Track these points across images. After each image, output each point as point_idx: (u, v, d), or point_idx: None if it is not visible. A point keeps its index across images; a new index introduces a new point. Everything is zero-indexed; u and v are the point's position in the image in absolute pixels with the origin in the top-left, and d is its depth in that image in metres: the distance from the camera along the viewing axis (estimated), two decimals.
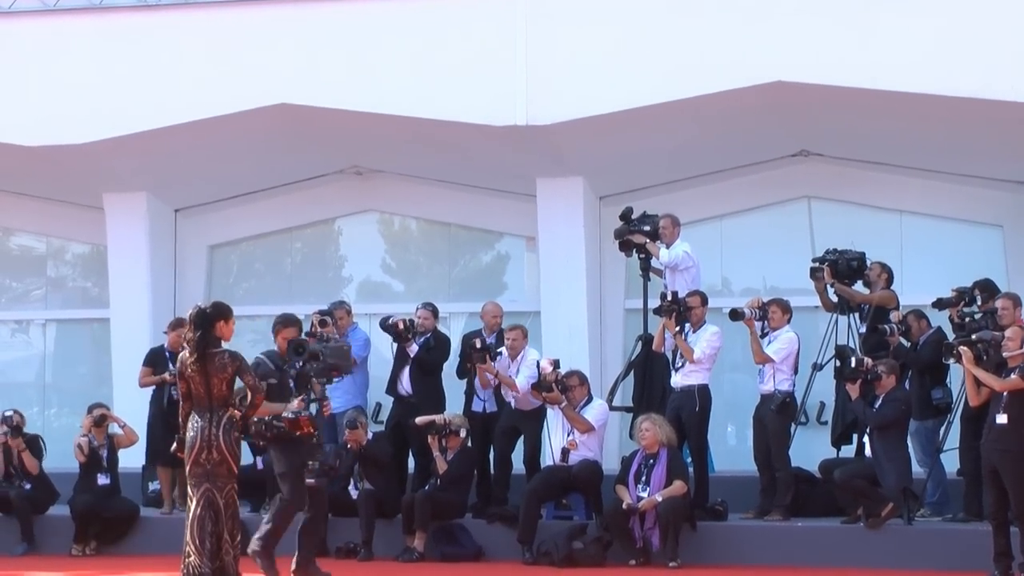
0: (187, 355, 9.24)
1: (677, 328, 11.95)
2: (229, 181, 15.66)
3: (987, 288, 11.97)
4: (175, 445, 9.46)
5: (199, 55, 14.15)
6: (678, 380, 12.05)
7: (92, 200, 15.57)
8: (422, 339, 12.93)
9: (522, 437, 12.52)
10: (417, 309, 13.07)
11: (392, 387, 13.08)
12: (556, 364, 12.09)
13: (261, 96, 14.05)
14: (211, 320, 9.22)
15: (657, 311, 12.22)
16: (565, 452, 11.97)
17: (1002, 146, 13.55)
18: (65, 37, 14.52)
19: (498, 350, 12.57)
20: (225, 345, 9.32)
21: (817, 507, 12.06)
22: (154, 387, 13.24)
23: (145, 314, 15.22)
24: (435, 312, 13.15)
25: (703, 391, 11.94)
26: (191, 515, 9.17)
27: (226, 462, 9.14)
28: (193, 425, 9.19)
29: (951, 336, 11.59)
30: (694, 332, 12.05)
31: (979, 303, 11.86)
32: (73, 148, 14.35)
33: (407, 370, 12.89)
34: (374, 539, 12.02)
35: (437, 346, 13.02)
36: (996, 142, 13.50)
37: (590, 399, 12.21)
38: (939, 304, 12.15)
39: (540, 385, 11.96)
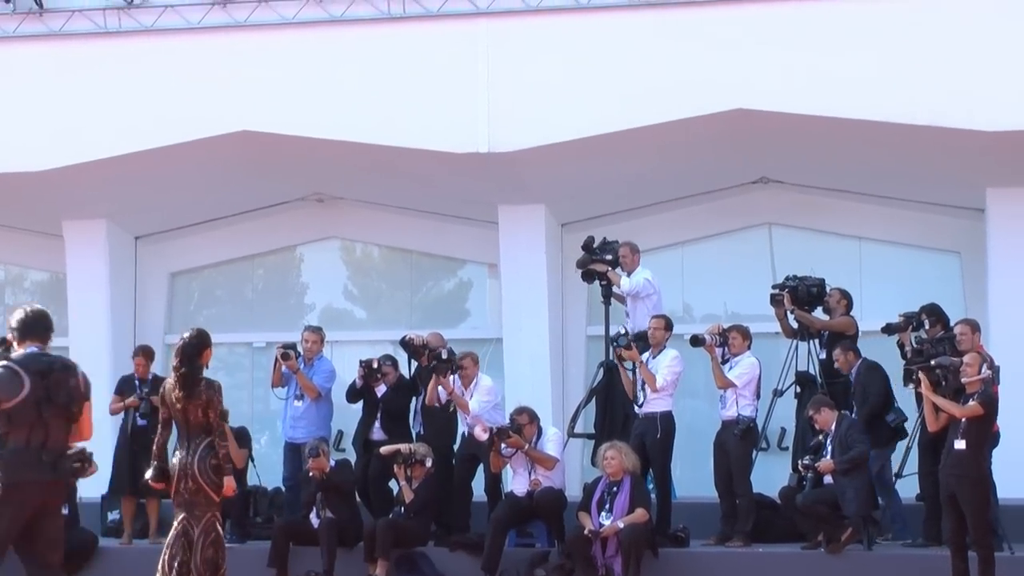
0: (173, 385, 9.25)
1: (641, 359, 11.98)
2: (190, 208, 15.62)
3: (934, 313, 12.04)
4: (149, 472, 9.45)
5: (160, 82, 14.11)
6: (641, 408, 12.05)
7: (51, 227, 15.49)
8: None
9: (481, 465, 12.49)
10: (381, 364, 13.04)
11: (362, 436, 13.03)
12: (491, 431, 11.99)
13: (223, 123, 14.02)
14: (199, 350, 9.28)
15: (614, 342, 12.26)
16: (532, 494, 11.92)
17: (959, 174, 13.68)
18: (25, 64, 14.44)
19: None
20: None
21: (778, 533, 12.07)
22: (121, 417, 13.13)
23: (105, 342, 15.13)
24: (396, 363, 13.12)
25: (666, 418, 11.95)
26: (167, 541, 9.26)
27: (202, 491, 9.16)
28: (175, 455, 9.25)
29: (887, 362, 11.72)
30: (654, 357, 12.08)
31: (927, 327, 11.93)
32: (32, 175, 14.26)
33: (378, 417, 12.88)
34: (336, 567, 11.94)
35: (401, 388, 13.01)
36: (954, 170, 13.63)
37: (540, 431, 12.17)
38: (888, 330, 12.20)
39: (500, 434, 11.90)
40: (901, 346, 12.04)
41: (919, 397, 11.16)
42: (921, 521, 11.67)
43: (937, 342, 11.54)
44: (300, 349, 13.08)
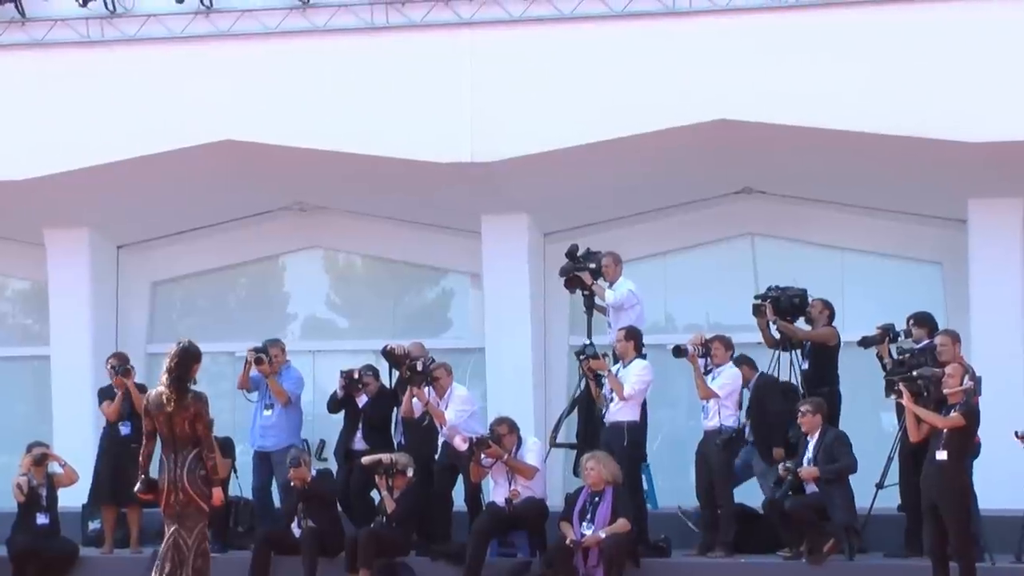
0: (165, 391, 9.23)
1: (610, 368, 11.99)
2: (173, 217, 15.59)
3: (921, 319, 12.04)
4: (138, 485, 9.46)
5: (143, 91, 14.11)
6: (608, 416, 12.05)
7: (33, 236, 15.44)
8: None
9: (461, 475, 12.48)
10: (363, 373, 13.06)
11: (343, 446, 13.04)
12: (470, 440, 12.01)
13: (206, 132, 14.02)
14: (192, 359, 9.28)
15: (579, 354, 12.28)
16: (509, 502, 11.92)
17: (941, 184, 13.72)
18: (7, 73, 14.42)
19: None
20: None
21: (760, 543, 12.08)
22: (103, 427, 13.11)
23: (86, 352, 15.08)
24: (377, 373, 13.13)
25: (632, 427, 11.94)
26: (159, 554, 9.33)
27: (193, 502, 9.23)
28: (162, 467, 9.27)
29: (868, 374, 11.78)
30: (625, 367, 12.09)
31: (911, 333, 11.94)
32: (14, 184, 14.24)
33: (360, 427, 12.89)
34: None
35: (382, 398, 13.01)
36: (935, 180, 13.67)
37: (520, 441, 12.17)
38: (864, 342, 12.21)
39: (480, 444, 11.91)
40: (880, 358, 12.06)
41: (900, 408, 11.20)
42: (902, 532, 11.69)
43: (919, 353, 11.57)
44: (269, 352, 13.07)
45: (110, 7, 14.15)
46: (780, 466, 11.64)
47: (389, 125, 13.74)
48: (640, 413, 12.05)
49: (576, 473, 12.19)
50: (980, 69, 12.85)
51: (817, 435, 11.56)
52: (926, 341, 11.76)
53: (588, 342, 12.33)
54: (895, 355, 11.69)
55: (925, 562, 10.68)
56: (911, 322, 12.04)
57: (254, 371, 13.02)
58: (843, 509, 11.33)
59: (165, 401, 9.23)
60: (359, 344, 15.26)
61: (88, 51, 14.32)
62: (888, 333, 12.02)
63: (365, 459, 12.41)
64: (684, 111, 13.23)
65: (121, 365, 12.95)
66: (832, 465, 11.36)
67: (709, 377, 12.06)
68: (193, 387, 9.41)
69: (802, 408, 11.65)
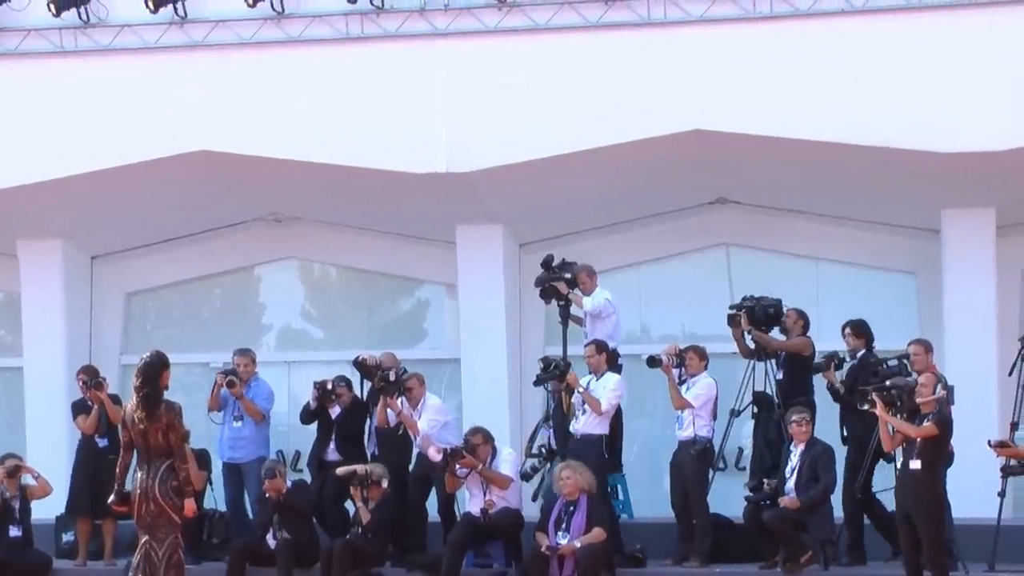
0: (135, 407, 9.23)
1: (581, 386, 11.98)
2: (147, 228, 15.54)
3: (856, 328, 12.11)
4: (112, 497, 9.46)
5: (117, 102, 14.05)
6: (578, 428, 12.04)
7: (6, 247, 15.38)
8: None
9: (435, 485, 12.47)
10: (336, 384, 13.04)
11: (316, 457, 13.02)
12: (445, 451, 12.03)
13: (180, 143, 13.97)
14: (160, 370, 9.26)
15: (539, 382, 12.27)
16: (484, 512, 11.91)
17: (915, 195, 13.79)
18: None
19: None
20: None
21: (735, 553, 12.10)
22: (79, 438, 13.05)
23: (60, 363, 15.00)
24: (349, 384, 13.11)
25: (605, 440, 11.94)
26: (131, 565, 9.37)
27: (164, 513, 9.22)
28: (135, 478, 9.28)
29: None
30: (597, 379, 12.08)
31: (848, 341, 12.06)
32: None
33: (333, 438, 12.87)
34: None
35: (355, 408, 12.99)
36: (909, 191, 13.74)
37: (495, 452, 12.16)
38: (813, 369, 12.26)
39: (454, 454, 11.90)
40: (830, 384, 12.10)
41: (862, 416, 11.25)
42: (878, 539, 11.72)
43: (898, 360, 11.63)
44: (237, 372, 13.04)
45: (84, 17, 14.10)
46: (764, 481, 11.67)
47: (364, 135, 13.72)
48: (610, 425, 12.06)
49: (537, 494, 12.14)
50: (953, 80, 12.91)
51: (803, 446, 11.58)
52: (863, 351, 11.84)
53: (548, 365, 12.27)
54: (840, 383, 11.81)
55: (895, 570, 10.72)
56: (846, 331, 12.13)
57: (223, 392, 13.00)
58: (822, 523, 11.36)
59: (137, 420, 9.23)
60: (334, 355, 15.23)
61: (62, 61, 14.25)
62: (833, 360, 12.06)
63: (340, 470, 12.40)
64: (659, 122, 13.25)
65: (92, 379, 12.90)
66: (811, 493, 11.37)
67: (683, 387, 12.08)
68: (166, 396, 9.39)
69: (794, 417, 11.68)
